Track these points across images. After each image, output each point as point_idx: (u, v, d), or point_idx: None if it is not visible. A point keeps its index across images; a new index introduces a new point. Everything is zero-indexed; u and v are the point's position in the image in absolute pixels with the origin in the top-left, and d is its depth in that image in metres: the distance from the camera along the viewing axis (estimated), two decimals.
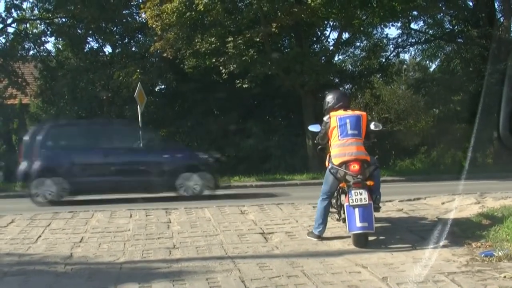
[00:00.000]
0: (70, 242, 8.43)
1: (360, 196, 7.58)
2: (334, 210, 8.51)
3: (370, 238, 7.83)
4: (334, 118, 8.18)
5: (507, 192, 12.38)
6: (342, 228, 8.35)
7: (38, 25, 29.98)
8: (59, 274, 6.75)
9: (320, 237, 8.14)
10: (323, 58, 27.21)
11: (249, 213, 10.59)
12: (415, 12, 28.78)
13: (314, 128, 9.11)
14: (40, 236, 8.92)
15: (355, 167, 7.78)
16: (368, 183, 7.75)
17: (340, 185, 8.02)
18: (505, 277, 6.00)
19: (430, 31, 31.89)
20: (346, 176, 7.84)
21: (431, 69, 36.91)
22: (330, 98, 8.63)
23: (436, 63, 35.23)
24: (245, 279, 6.21)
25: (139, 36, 30.29)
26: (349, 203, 7.62)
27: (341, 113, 8.25)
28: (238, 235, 8.61)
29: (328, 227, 8.32)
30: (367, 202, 7.57)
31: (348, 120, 8.10)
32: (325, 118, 8.43)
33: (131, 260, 7.33)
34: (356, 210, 7.56)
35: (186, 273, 6.59)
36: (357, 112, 8.39)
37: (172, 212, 10.80)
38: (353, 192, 7.62)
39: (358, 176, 7.72)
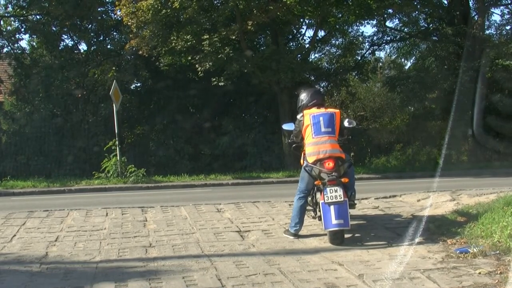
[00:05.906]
0: (45, 241, 8.37)
1: (335, 193, 7.59)
2: (310, 207, 8.52)
3: (346, 235, 7.87)
4: (308, 116, 8.20)
5: (482, 189, 12.56)
6: (318, 225, 8.38)
7: (12, 22, 29.59)
8: (34, 273, 6.69)
9: (296, 235, 8.17)
10: (299, 56, 27.20)
11: (225, 211, 10.61)
12: (390, 10, 28.95)
13: (288, 126, 9.12)
14: (15, 235, 8.85)
15: (329, 164, 7.81)
16: (343, 180, 7.77)
17: (315, 182, 8.03)
18: (480, 273, 6.06)
19: (405, 29, 32.05)
20: (321, 173, 7.86)
21: (406, 67, 37.09)
22: (303, 96, 8.65)
23: (411, 60, 35.43)
24: (221, 277, 6.21)
25: (114, 33, 30.04)
26: (324, 200, 7.64)
27: (314, 111, 8.26)
28: (215, 233, 8.61)
29: (304, 225, 8.35)
30: (342, 199, 7.60)
31: (321, 118, 8.11)
32: (298, 116, 8.45)
33: (107, 259, 7.28)
34: (332, 207, 7.58)
35: (163, 271, 6.57)
36: (331, 110, 8.37)
37: (148, 211, 10.79)
38: (328, 189, 7.64)
39: (333, 174, 7.75)
